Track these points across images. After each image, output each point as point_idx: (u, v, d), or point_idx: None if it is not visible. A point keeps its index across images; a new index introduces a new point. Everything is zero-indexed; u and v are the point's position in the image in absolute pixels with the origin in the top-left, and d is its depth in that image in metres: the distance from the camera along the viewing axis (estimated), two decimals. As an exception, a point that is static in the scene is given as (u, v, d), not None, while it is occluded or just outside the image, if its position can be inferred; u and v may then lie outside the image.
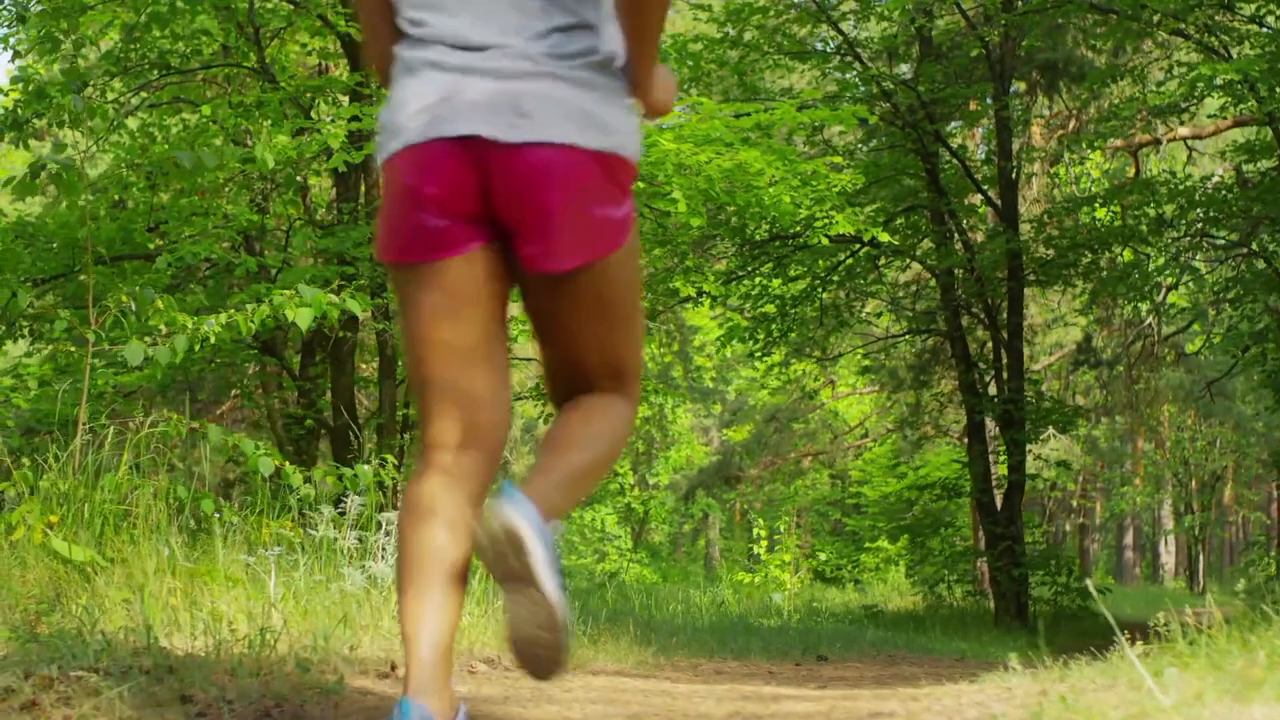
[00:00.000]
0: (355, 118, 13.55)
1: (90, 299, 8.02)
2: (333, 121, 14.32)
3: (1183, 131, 21.73)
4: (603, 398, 3.95)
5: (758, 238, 18.67)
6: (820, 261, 19.86)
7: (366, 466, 8.03)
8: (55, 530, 6.85)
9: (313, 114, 16.02)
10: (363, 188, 15.78)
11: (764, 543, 27.36)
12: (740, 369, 33.72)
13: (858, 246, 19.56)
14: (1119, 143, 24.35)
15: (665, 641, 7.83)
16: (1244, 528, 50.46)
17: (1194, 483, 39.50)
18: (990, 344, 19.78)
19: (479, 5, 3.67)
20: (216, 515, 7.19)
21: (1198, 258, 19.49)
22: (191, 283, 16.25)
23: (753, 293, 20.05)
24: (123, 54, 15.93)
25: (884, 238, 15.86)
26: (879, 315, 22.88)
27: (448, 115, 3.47)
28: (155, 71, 16.18)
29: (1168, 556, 44.13)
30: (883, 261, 20.45)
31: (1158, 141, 23.90)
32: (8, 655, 5.18)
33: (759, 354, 21.05)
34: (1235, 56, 16.58)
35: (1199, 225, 18.67)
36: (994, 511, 19.05)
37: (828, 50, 19.63)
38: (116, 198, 15.45)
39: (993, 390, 19.68)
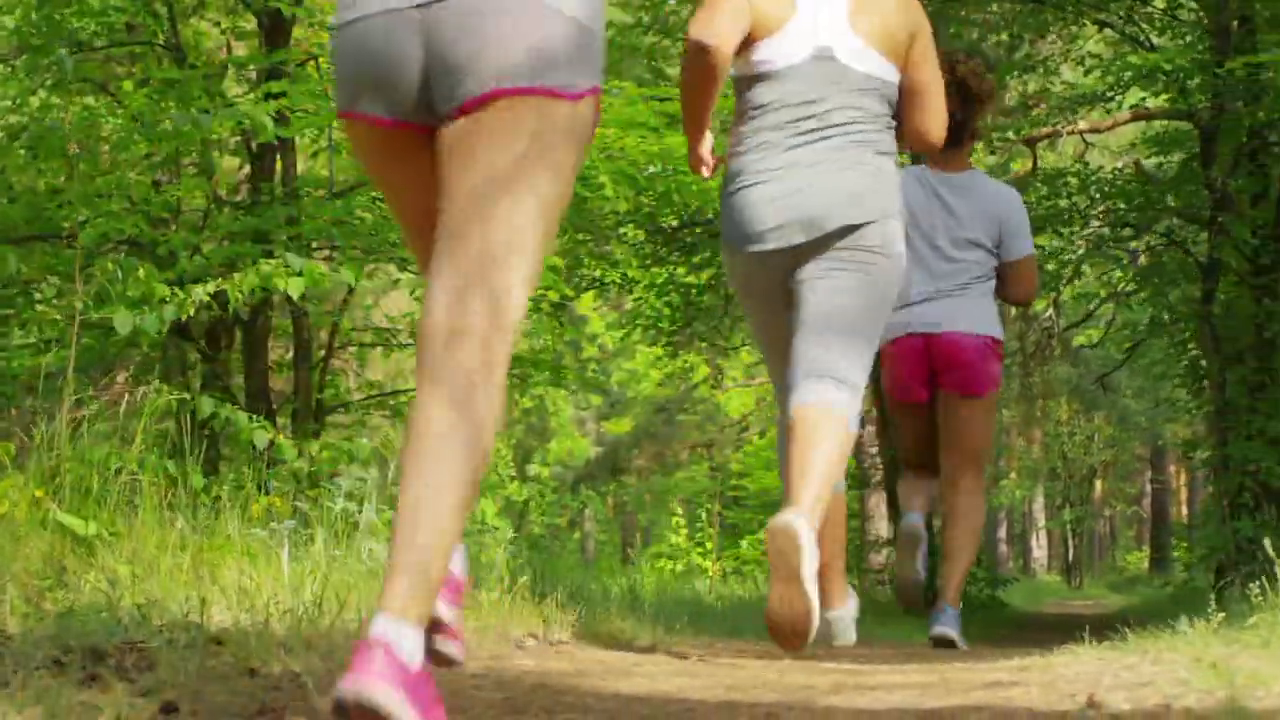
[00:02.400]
0: (277, 94, 13.26)
1: (77, 268, 7.78)
2: (256, 99, 14.03)
3: (1081, 125, 21.82)
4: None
5: (670, 224, 18.51)
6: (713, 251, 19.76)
7: (365, 440, 7.83)
8: (39, 505, 6.60)
9: (224, 93, 15.69)
10: (279, 166, 15.47)
11: (684, 531, 27.24)
12: (621, 361, 33.62)
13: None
14: (1014, 137, 24.47)
15: (669, 623, 7.67)
16: (1112, 522, 51.18)
17: (1071, 477, 39.95)
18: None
19: None
20: (221, 489, 6.99)
21: (1115, 249, 19.55)
22: (99, 260, 15.88)
23: (658, 281, 19.90)
24: (27, 30, 15.54)
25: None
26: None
27: None
28: (63, 49, 15.79)
29: (1039, 550, 44.64)
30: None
31: (1056, 135, 24.03)
32: (31, 630, 4.96)
33: (663, 345, 20.92)
34: (1155, 48, 16.69)
35: (1113, 216, 18.72)
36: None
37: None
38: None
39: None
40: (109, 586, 5.55)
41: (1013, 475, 39.75)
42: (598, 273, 18.88)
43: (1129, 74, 16.11)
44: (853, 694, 4.62)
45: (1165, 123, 19.30)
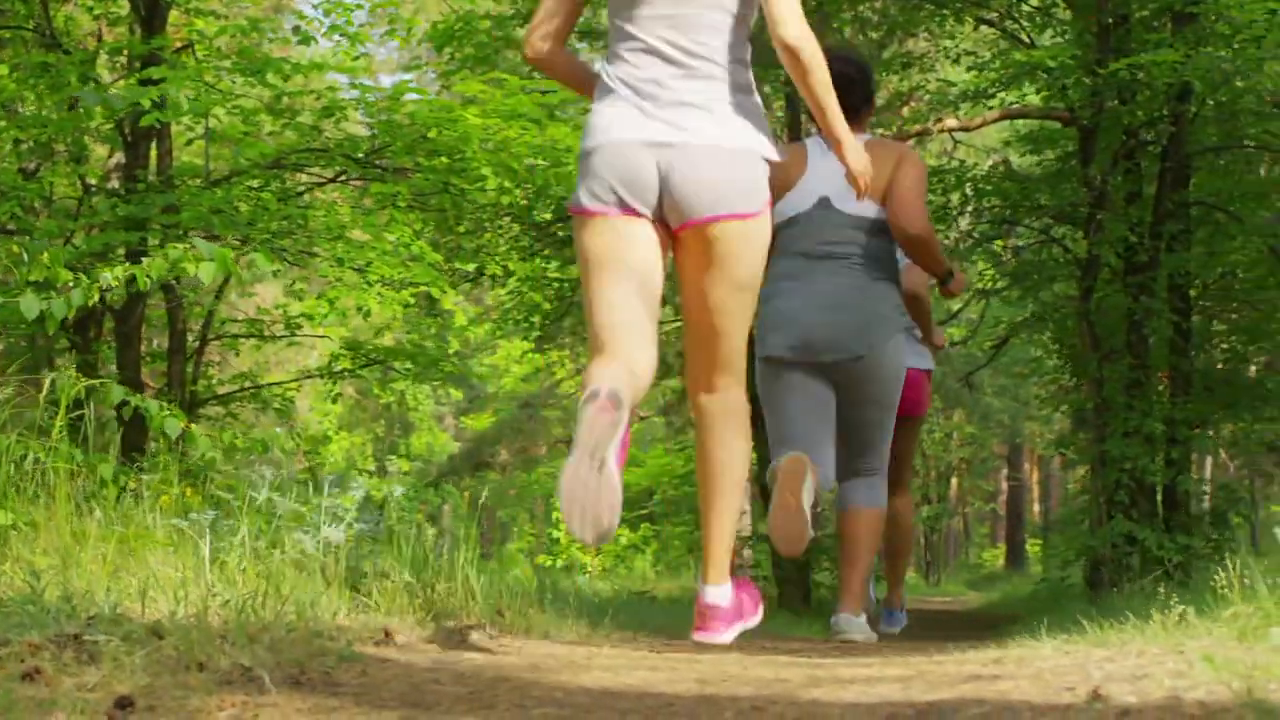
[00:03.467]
0: (154, 80, 13.00)
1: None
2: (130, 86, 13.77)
3: (950, 123, 21.92)
4: None
5: (544, 219, 18.37)
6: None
7: (280, 430, 7.65)
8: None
9: (98, 79, 15.39)
10: (154, 154, 15.21)
11: (562, 525, 27.10)
12: (482, 356, 33.44)
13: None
14: (885, 133, 24.58)
15: (597, 618, 7.57)
16: (967, 520, 51.59)
17: (929, 474, 40.18)
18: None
19: None
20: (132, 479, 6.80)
21: (990, 246, 19.64)
22: None
23: (531, 275, 19.75)
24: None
25: (689, 217, 15.67)
26: (664, 300, 22.69)
27: None
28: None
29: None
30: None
31: (926, 133, 24.14)
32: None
33: (533, 339, 20.79)
34: (1035, 45, 16.78)
35: (987, 213, 18.82)
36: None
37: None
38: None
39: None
40: (32, 578, 5.36)
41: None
42: (470, 266, 18.67)
43: (1011, 71, 16.15)
44: (833, 688, 4.52)
45: (1039, 121, 19.39)
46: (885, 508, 8.30)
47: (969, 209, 18.89)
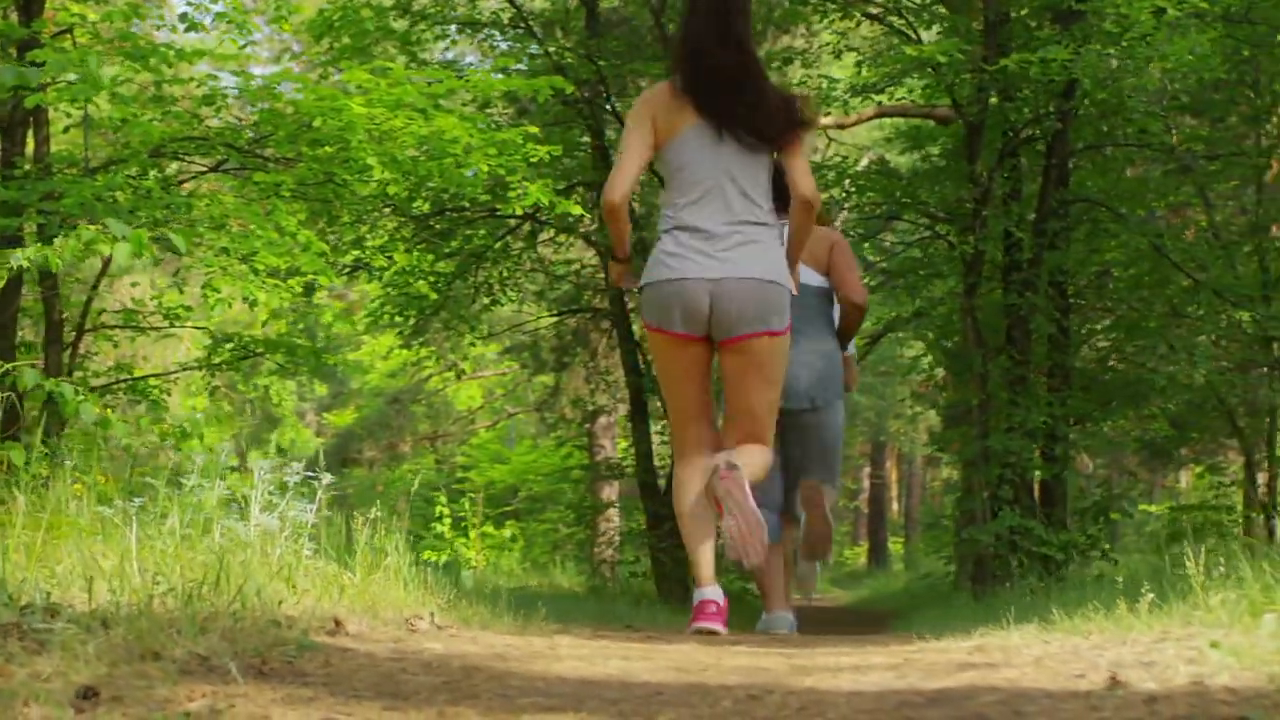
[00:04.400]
0: (38, 64, 12.68)
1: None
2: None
3: (826, 121, 21.94)
4: None
5: (423, 210, 18.17)
6: (475, 238, 19.50)
7: (199, 416, 7.46)
8: None
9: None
10: (32, 142, 14.86)
11: (448, 521, 26.88)
12: (346, 351, 33.08)
13: (516, 222, 19.26)
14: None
15: (521, 609, 7.45)
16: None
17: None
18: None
19: None
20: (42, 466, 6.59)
21: (887, 240, 19.67)
22: None
23: (408, 268, 19.51)
24: None
25: (576, 210, 15.55)
26: (537, 295, 22.53)
27: None
28: None
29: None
30: (544, 236, 20.16)
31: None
32: None
33: (407, 332, 20.59)
34: (922, 42, 16.81)
35: (867, 210, 18.85)
36: (657, 492, 18.89)
37: (499, 21, 19.20)
38: None
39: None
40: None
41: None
42: (348, 259, 18.44)
43: (901, 66, 16.15)
44: (824, 676, 4.43)
45: (918, 119, 19.43)
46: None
47: (848, 205, 18.89)
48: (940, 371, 22.52)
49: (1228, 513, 22.34)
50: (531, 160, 15.14)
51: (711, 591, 6.99)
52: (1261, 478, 19.75)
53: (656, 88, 7.00)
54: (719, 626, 6.89)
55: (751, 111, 6.69)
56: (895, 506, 51.76)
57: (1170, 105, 17.44)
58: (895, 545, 47.73)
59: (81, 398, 6.89)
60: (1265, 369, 18.91)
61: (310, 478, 6.84)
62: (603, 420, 27.88)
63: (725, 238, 6.60)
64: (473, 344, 22.44)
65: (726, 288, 6.59)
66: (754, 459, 6.86)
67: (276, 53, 31.44)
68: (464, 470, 33.43)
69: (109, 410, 7.33)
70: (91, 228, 7.33)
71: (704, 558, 7.04)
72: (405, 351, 22.26)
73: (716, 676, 4.52)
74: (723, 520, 6.66)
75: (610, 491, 27.83)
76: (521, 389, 27.70)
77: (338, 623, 5.44)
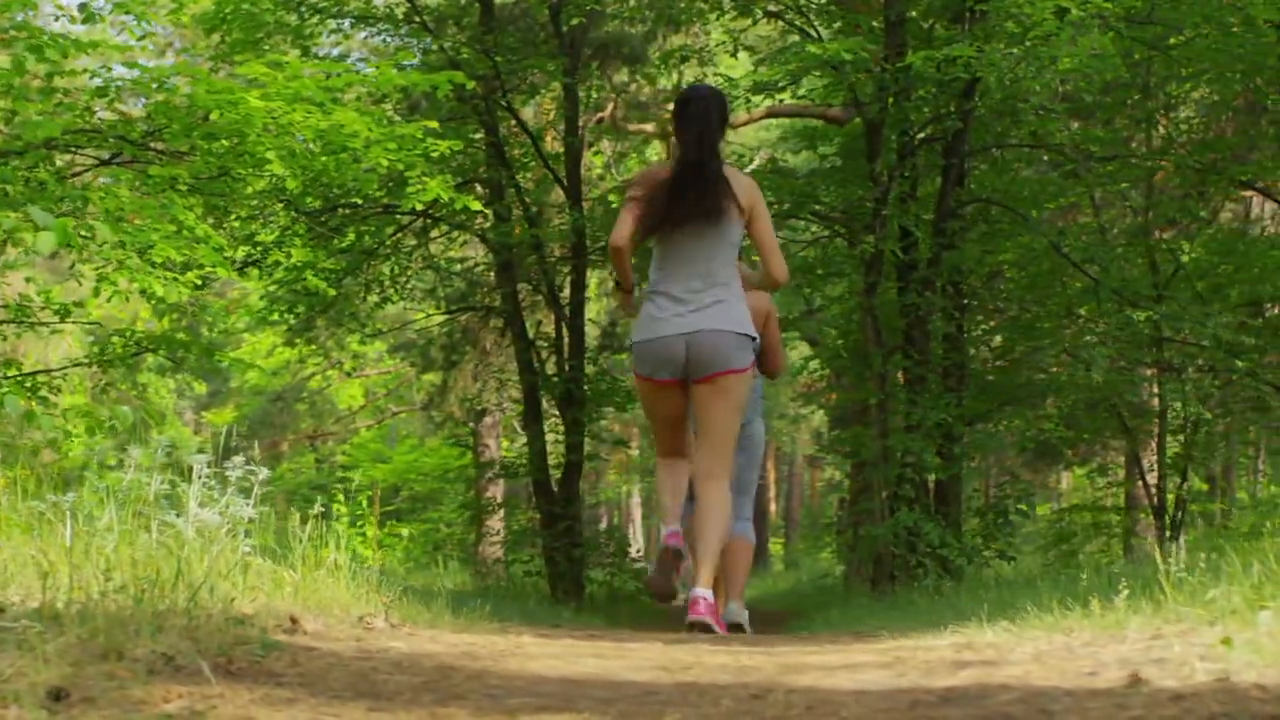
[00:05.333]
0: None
1: None
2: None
3: (717, 120, 21.83)
4: None
5: (315, 206, 17.93)
6: (367, 235, 19.29)
7: (126, 409, 7.25)
8: None
9: None
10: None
11: (345, 520, 26.64)
12: (229, 349, 32.72)
13: (409, 219, 19.08)
14: (650, 128, 24.50)
15: (455, 607, 7.33)
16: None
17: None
18: (553, 322, 19.51)
19: None
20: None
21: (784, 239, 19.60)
22: None
23: (299, 264, 19.23)
24: None
25: (475, 206, 15.39)
26: (428, 293, 22.32)
27: None
28: None
29: (636, 542, 44.98)
30: (436, 233, 19.98)
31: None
32: None
33: (295, 327, 20.35)
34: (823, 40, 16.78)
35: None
36: (551, 491, 18.76)
37: (393, 15, 18.96)
38: None
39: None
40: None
41: (611, 473, 39.85)
42: (238, 254, 18.15)
43: (805, 64, 16.09)
44: (818, 674, 4.33)
45: (814, 119, 19.41)
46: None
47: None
48: (828, 371, 22.50)
49: (1116, 513, 22.54)
50: (432, 155, 15.00)
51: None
52: (1151, 479, 19.87)
53: (651, 169, 8.72)
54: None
55: (715, 203, 8.07)
56: (773, 507, 51.90)
57: (1067, 106, 17.50)
58: (775, 546, 47.82)
59: (5, 389, 6.67)
60: (1154, 369, 19.04)
61: (249, 473, 6.66)
62: (487, 420, 27.72)
63: (697, 301, 8.01)
64: (363, 341, 22.21)
65: (699, 339, 7.95)
66: (719, 524, 8.17)
67: (161, 47, 31.04)
68: (345, 470, 33.21)
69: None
70: (11, 214, 7.09)
71: (673, 499, 8.24)
72: (289, 350, 21.97)
73: (705, 675, 4.41)
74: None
75: (495, 491, 27.68)
76: (406, 388, 27.45)
77: (294, 621, 5.30)
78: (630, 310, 8.51)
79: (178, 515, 6.16)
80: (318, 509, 6.78)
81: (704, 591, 7.96)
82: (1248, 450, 31.32)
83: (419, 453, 31.31)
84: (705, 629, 7.84)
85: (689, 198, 8.05)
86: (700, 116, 8.27)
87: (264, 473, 6.90)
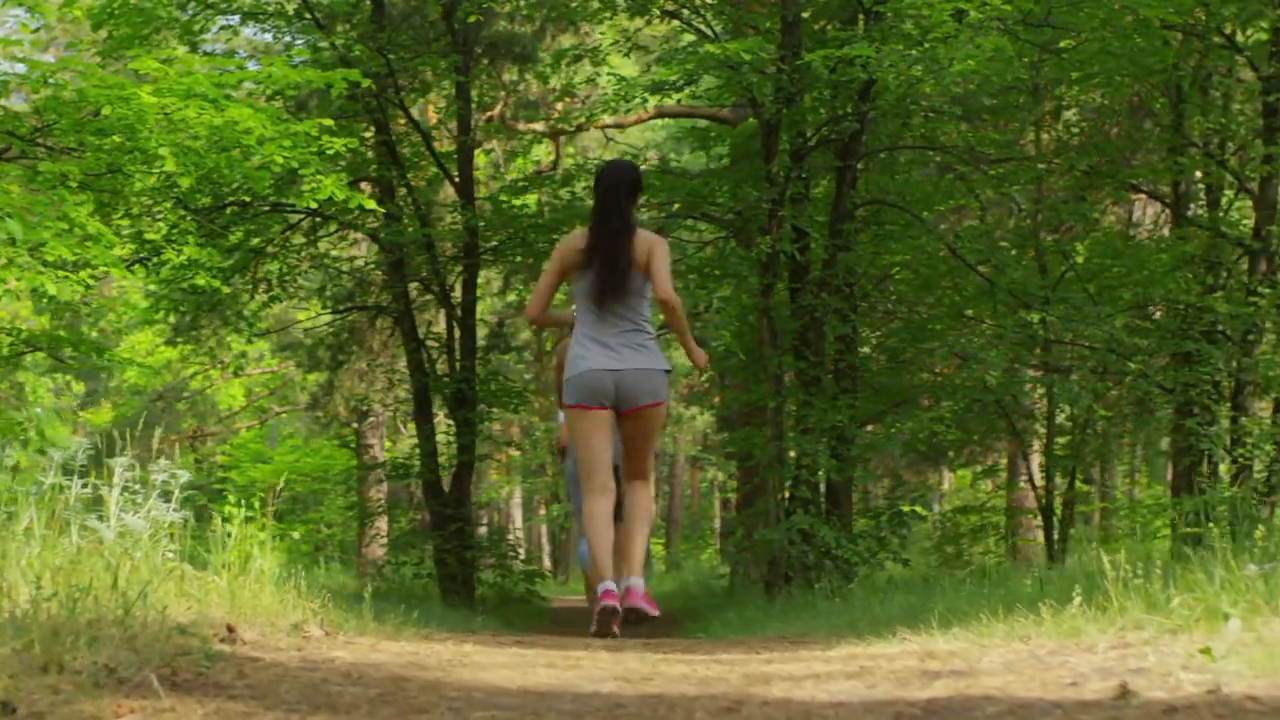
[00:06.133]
0: None
1: None
2: None
3: (605, 120, 21.84)
4: None
5: (204, 204, 17.68)
6: (254, 236, 19.06)
7: (39, 410, 7.07)
8: None
9: None
10: None
11: (236, 520, 26.24)
12: (109, 351, 32.29)
13: (299, 217, 18.88)
14: (540, 127, 24.38)
15: (378, 614, 7.19)
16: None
17: (548, 475, 39.99)
18: (444, 322, 19.36)
19: None
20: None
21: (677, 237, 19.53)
22: None
23: (186, 263, 18.92)
24: None
25: (369, 204, 15.20)
26: (317, 292, 22.08)
27: None
28: None
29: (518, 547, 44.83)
30: (324, 231, 19.76)
31: (581, 129, 24.02)
32: None
33: (177, 322, 20.08)
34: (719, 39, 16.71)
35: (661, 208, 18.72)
36: (441, 492, 18.60)
37: (284, 11, 18.72)
38: None
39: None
40: None
41: (493, 474, 39.63)
42: (125, 251, 17.86)
43: (704, 64, 16.02)
44: (785, 684, 4.25)
45: (706, 119, 19.35)
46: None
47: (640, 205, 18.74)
48: (712, 373, 22.44)
49: (1007, 516, 22.64)
50: (327, 153, 14.84)
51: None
52: (1038, 480, 19.96)
53: (572, 235, 9.72)
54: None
55: (629, 262, 9.22)
56: (654, 508, 51.81)
57: (960, 109, 17.52)
58: (657, 547, 47.78)
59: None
60: (1042, 370, 19.12)
61: (169, 476, 6.50)
62: (370, 420, 27.52)
63: (619, 345, 9.17)
64: (249, 341, 21.96)
65: (624, 377, 9.11)
66: (644, 515, 9.49)
67: (44, 44, 30.56)
68: (224, 470, 32.89)
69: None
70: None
71: (604, 559, 9.15)
72: (170, 349, 21.69)
73: (669, 687, 4.32)
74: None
75: (378, 492, 27.49)
76: (289, 388, 27.18)
77: (231, 629, 5.17)
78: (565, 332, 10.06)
79: (101, 520, 6.00)
80: (245, 514, 6.63)
81: (637, 581, 9.11)
82: (1125, 453, 31.59)
83: (300, 453, 31.04)
84: (641, 614, 8.95)
85: (605, 260, 9.23)
86: (614, 187, 9.49)
87: (185, 475, 6.76)
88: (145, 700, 3.75)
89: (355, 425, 27.31)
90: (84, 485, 6.25)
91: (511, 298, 25.65)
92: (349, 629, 6.27)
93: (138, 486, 6.45)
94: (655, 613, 9.24)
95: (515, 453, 35.87)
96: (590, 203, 11.02)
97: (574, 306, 9.83)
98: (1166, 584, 5.13)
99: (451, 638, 6.74)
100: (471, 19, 18.57)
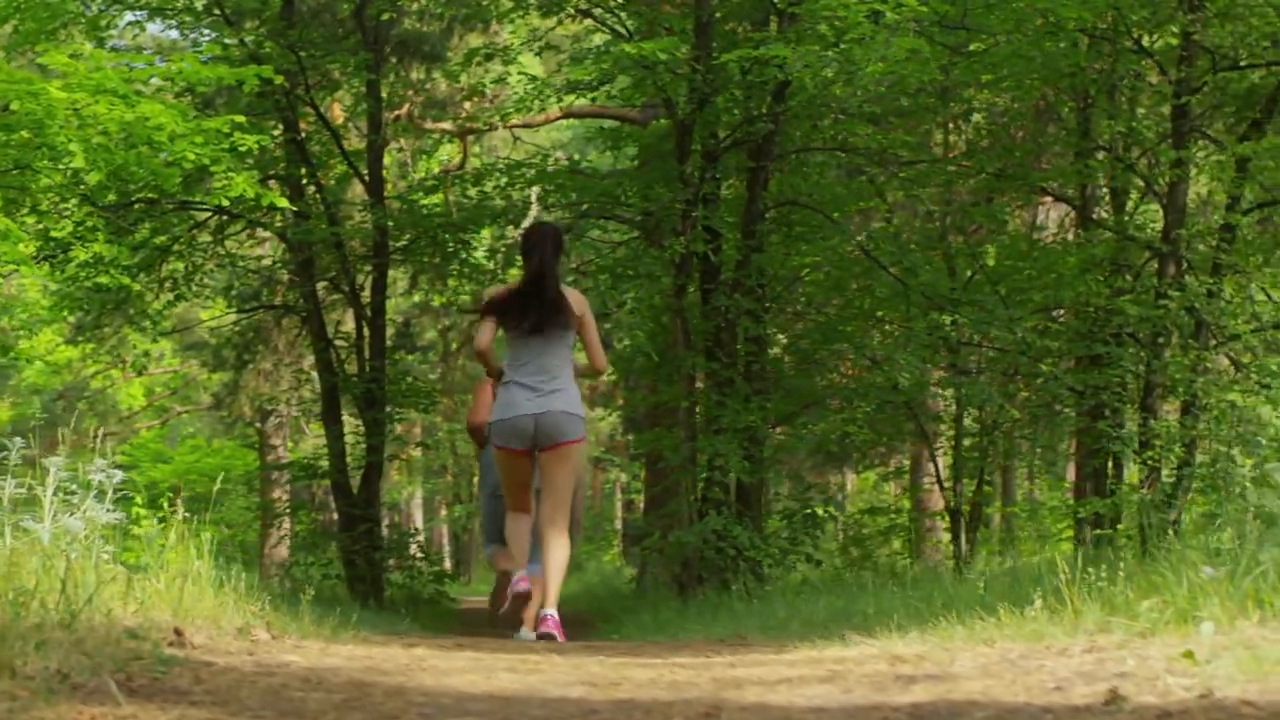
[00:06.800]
0: None
1: None
2: None
3: (514, 120, 21.75)
4: None
5: (110, 201, 17.46)
6: (159, 235, 18.85)
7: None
8: None
9: None
10: None
11: (145, 522, 25.95)
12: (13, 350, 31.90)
13: (206, 214, 18.70)
14: (448, 126, 24.24)
15: (314, 616, 7.09)
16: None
17: (460, 474, 39.86)
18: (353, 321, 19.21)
19: None
20: None
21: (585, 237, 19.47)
22: None
23: (91, 260, 18.68)
24: None
25: (281, 203, 15.08)
26: (224, 290, 21.88)
27: None
28: None
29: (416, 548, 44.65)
30: (232, 230, 19.56)
31: (491, 128, 23.89)
32: None
33: (86, 327, 19.83)
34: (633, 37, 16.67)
35: (569, 209, 18.66)
36: (350, 493, 18.46)
37: (192, 7, 18.50)
38: None
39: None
40: None
41: (395, 474, 39.40)
42: (30, 249, 17.60)
43: (616, 63, 15.96)
44: (758, 689, 4.19)
45: (617, 120, 19.28)
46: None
47: (549, 204, 18.70)
48: (617, 375, 22.40)
49: (910, 518, 22.69)
50: (240, 150, 14.70)
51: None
52: (947, 481, 20.01)
53: (503, 288, 10.62)
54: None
55: (554, 315, 10.01)
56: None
57: (871, 111, 17.56)
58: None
59: None
60: (950, 372, 19.18)
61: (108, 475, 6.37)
62: (273, 420, 27.32)
63: (542, 389, 9.92)
64: (154, 340, 21.72)
65: (545, 418, 9.85)
66: (561, 561, 10.06)
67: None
68: (125, 470, 32.47)
69: None
70: None
71: (520, 551, 10.11)
72: (70, 348, 21.44)
73: (639, 691, 4.25)
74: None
75: (281, 492, 27.27)
76: (191, 388, 26.93)
77: (179, 633, 5.07)
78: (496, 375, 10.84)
79: (36, 521, 5.87)
80: (180, 514, 6.50)
81: (551, 611, 9.78)
82: (1026, 455, 31.72)
83: (200, 454, 30.76)
84: (552, 638, 9.55)
85: (532, 312, 10.02)
86: (540, 246, 10.23)
87: (119, 474, 6.64)
88: (104, 707, 3.67)
89: (259, 425, 27.08)
90: (18, 485, 6.11)
91: (418, 297, 25.48)
92: (292, 632, 6.17)
93: (73, 487, 6.32)
94: (563, 641, 9.75)
95: (416, 453, 35.68)
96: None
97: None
98: (1126, 586, 5.10)
99: (392, 641, 6.64)
100: (385, 16, 18.45)
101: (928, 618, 5.99)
